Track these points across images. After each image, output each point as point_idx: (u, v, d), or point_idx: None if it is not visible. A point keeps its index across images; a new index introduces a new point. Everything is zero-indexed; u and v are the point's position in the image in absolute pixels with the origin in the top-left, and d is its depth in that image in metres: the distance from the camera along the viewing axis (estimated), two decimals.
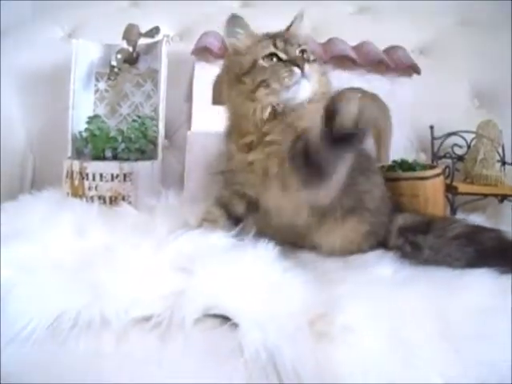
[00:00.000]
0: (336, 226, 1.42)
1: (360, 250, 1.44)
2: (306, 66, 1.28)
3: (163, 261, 1.21)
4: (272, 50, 1.31)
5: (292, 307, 1.09)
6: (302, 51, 1.34)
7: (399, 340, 1.01)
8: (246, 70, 1.30)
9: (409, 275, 1.29)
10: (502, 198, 1.86)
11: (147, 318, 1.07)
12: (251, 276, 1.17)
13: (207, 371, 1.01)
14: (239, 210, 1.43)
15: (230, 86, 1.36)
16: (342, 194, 1.35)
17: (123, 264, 1.18)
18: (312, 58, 1.35)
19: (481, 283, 1.22)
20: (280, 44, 1.31)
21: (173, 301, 1.09)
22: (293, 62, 1.28)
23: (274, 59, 1.30)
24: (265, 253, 1.25)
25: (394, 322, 1.04)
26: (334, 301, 1.09)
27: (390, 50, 1.95)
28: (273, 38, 1.34)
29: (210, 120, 1.79)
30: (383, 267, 1.33)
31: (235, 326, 1.05)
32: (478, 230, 1.42)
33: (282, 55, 1.30)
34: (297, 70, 1.27)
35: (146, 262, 1.19)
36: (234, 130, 1.39)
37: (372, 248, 1.45)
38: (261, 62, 1.30)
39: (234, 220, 1.43)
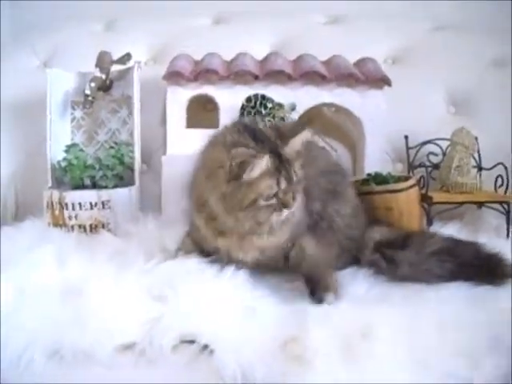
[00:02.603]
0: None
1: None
2: (295, 204, 1.26)
3: (141, 289, 1.22)
4: (275, 191, 1.22)
5: (265, 331, 1.10)
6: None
7: (370, 361, 1.01)
8: (245, 206, 1.22)
9: (382, 292, 1.31)
10: (480, 204, 1.87)
11: (128, 347, 1.09)
12: (225, 301, 1.19)
13: None
14: (208, 250, 1.38)
15: (221, 197, 1.25)
16: (310, 219, 1.37)
17: (101, 294, 1.19)
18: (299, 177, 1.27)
19: (455, 297, 1.23)
20: (283, 184, 1.22)
21: (149, 328, 1.11)
22: (286, 204, 1.23)
23: (273, 199, 1.22)
24: (237, 278, 1.27)
25: (365, 342, 1.05)
26: (304, 323, 1.10)
27: (360, 63, 1.97)
28: (277, 171, 1.21)
29: (184, 143, 1.83)
30: (356, 285, 1.35)
31: (212, 351, 1.07)
32: (457, 243, 1.43)
33: (280, 196, 1.23)
34: (286, 211, 1.24)
35: (123, 291, 1.21)
36: (205, 209, 1.31)
37: (346, 265, 1.45)
38: (261, 202, 1.21)
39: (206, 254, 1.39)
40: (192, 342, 1.10)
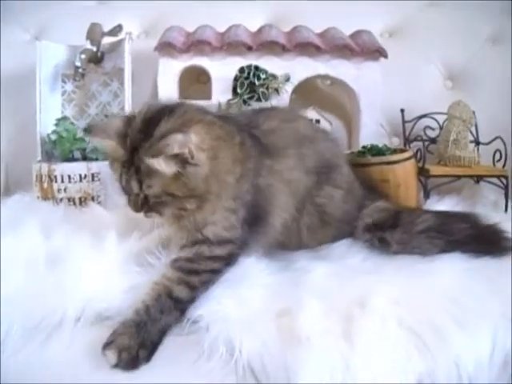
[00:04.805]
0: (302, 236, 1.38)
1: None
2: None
3: (124, 258, 1.21)
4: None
5: (258, 303, 1.08)
6: None
7: (359, 332, 0.98)
8: None
9: (376, 263, 1.28)
10: (479, 178, 1.85)
11: (109, 317, 1.07)
12: None
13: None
14: None
15: None
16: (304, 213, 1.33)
17: (84, 263, 1.17)
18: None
19: (449, 269, 1.20)
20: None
21: (131, 297, 1.09)
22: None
23: None
24: None
25: (356, 313, 1.02)
26: (298, 296, 1.08)
27: (355, 35, 1.93)
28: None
29: None
30: (351, 256, 1.32)
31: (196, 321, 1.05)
32: (449, 220, 1.38)
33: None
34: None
35: (106, 260, 1.19)
36: None
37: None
38: None
39: None
40: None
